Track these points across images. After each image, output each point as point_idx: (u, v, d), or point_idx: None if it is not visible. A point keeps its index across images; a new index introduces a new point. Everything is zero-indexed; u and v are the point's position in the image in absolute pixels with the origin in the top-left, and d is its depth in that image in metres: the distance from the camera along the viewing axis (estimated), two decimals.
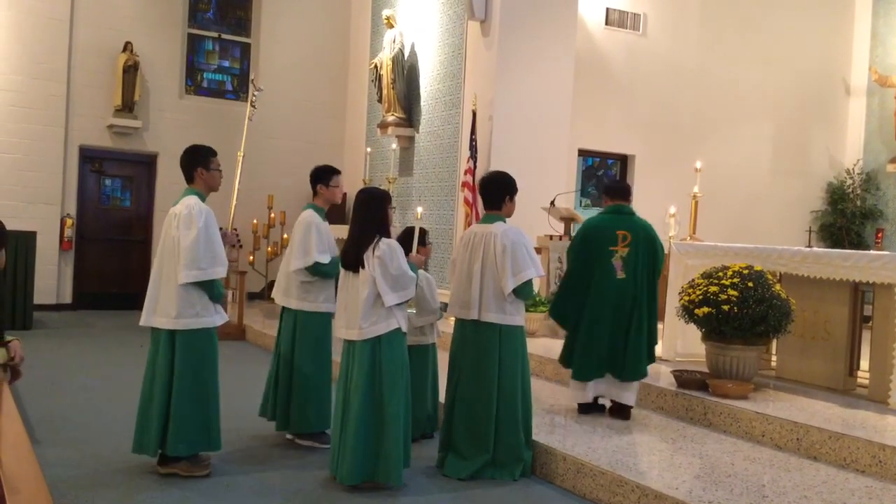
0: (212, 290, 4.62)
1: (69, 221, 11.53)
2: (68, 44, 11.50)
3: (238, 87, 13.14)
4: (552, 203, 8.74)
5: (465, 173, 9.46)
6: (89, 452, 5.04)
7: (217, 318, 4.72)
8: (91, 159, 11.98)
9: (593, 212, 12.31)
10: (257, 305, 11.95)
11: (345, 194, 6.46)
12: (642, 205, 11.69)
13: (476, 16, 9.69)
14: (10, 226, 9.50)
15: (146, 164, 12.32)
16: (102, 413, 6.05)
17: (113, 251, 12.05)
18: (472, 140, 9.47)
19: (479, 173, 9.36)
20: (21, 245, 9.78)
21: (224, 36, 13.00)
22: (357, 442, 4.47)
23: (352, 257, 4.58)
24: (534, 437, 5.14)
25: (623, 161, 12.22)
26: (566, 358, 5.79)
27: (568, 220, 8.78)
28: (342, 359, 4.68)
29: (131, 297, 11.72)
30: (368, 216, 4.64)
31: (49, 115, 11.33)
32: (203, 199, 4.76)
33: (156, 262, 4.76)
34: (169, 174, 12.22)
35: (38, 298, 10.37)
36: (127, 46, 11.71)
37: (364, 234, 4.60)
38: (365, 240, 4.57)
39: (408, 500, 4.48)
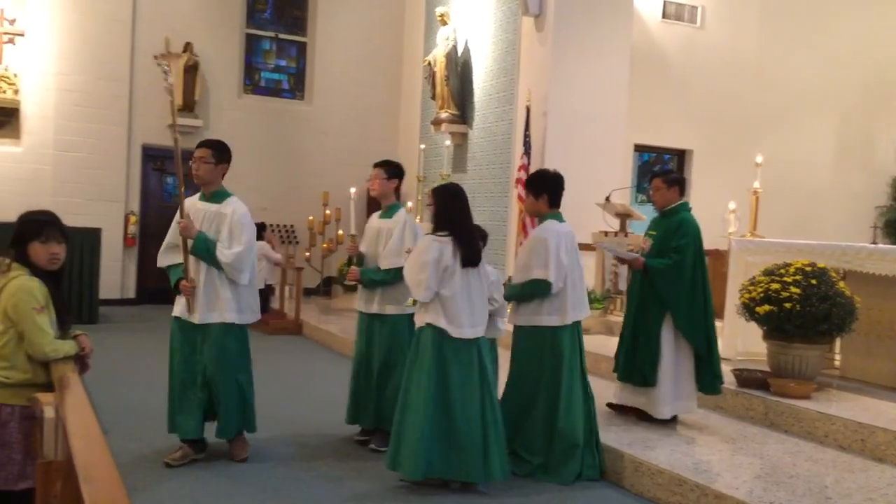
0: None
1: (132, 218, 11.83)
2: (130, 45, 11.79)
3: (294, 85, 13.32)
4: (607, 199, 8.65)
5: (519, 170, 9.42)
6: (152, 443, 5.16)
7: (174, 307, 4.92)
8: (153, 158, 12.26)
9: (648, 208, 12.15)
10: (313, 301, 12.09)
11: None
12: (701, 201, 11.55)
13: (530, 11, 9.64)
14: (76, 223, 9.83)
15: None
16: (165, 404, 6.17)
17: None
18: (527, 136, 9.43)
19: (534, 170, 9.31)
20: (87, 242, 10.07)
21: (281, 35, 13.18)
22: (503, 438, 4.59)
23: (477, 254, 4.59)
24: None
25: (680, 156, 12.04)
26: (717, 376, 5.41)
27: (623, 216, 8.68)
28: (459, 360, 4.51)
29: None
30: (469, 213, 4.69)
31: (112, 114, 11.64)
32: (198, 193, 5.04)
33: None
34: (229, 172, 12.42)
35: (103, 293, 10.67)
36: (187, 47, 11.96)
37: (476, 230, 4.71)
38: (477, 236, 4.68)
39: (469, 499, 4.51)
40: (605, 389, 6.56)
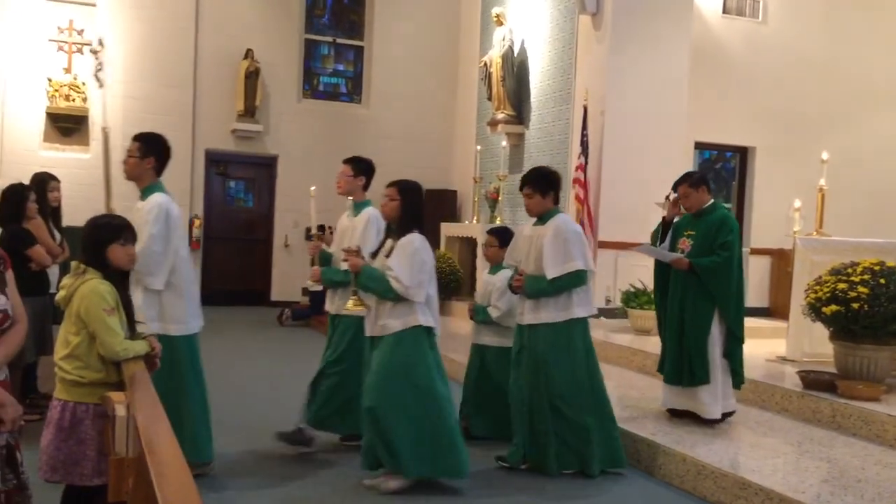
0: None
1: (197, 222, 12.11)
2: (194, 53, 12.08)
3: (352, 89, 13.47)
4: (667, 198, 8.52)
5: (577, 170, 9.36)
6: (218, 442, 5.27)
7: None
8: (216, 162, 12.55)
9: None
10: None
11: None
12: (765, 199, 11.33)
13: (587, 9, 9.57)
14: None
15: (267, 166, 12.80)
16: (225, 404, 6.30)
17: (237, 250, 12.58)
18: (584, 136, 9.36)
19: (591, 169, 9.26)
20: None
21: (339, 40, 13.34)
22: None
23: None
24: (651, 436, 5.11)
25: (743, 153, 11.79)
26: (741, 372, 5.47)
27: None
28: (438, 358, 4.57)
29: (255, 293, 12.30)
30: None
31: (177, 120, 11.91)
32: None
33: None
34: (288, 175, 12.67)
35: None
36: (248, 53, 12.20)
37: None
38: None
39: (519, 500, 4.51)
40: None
